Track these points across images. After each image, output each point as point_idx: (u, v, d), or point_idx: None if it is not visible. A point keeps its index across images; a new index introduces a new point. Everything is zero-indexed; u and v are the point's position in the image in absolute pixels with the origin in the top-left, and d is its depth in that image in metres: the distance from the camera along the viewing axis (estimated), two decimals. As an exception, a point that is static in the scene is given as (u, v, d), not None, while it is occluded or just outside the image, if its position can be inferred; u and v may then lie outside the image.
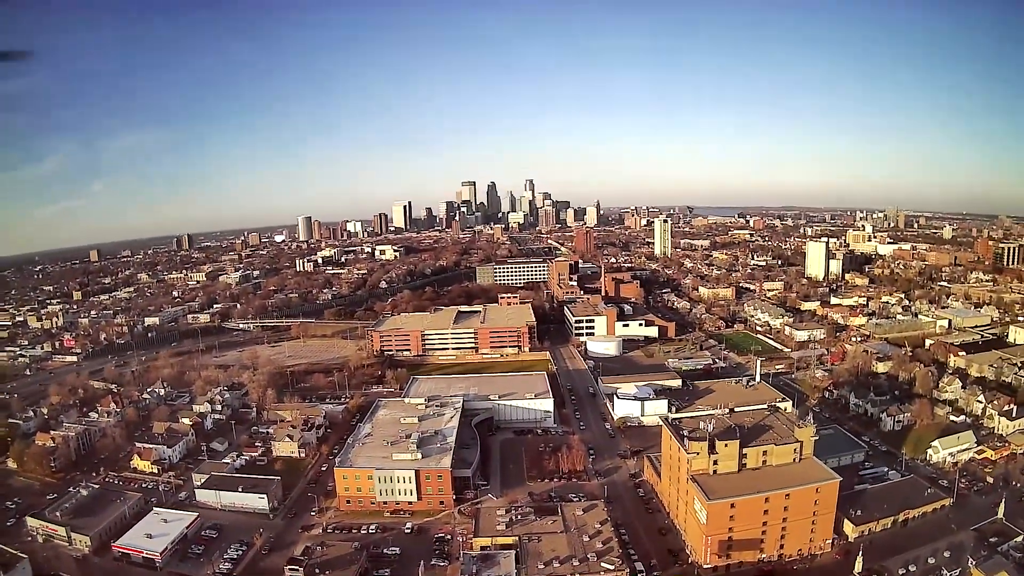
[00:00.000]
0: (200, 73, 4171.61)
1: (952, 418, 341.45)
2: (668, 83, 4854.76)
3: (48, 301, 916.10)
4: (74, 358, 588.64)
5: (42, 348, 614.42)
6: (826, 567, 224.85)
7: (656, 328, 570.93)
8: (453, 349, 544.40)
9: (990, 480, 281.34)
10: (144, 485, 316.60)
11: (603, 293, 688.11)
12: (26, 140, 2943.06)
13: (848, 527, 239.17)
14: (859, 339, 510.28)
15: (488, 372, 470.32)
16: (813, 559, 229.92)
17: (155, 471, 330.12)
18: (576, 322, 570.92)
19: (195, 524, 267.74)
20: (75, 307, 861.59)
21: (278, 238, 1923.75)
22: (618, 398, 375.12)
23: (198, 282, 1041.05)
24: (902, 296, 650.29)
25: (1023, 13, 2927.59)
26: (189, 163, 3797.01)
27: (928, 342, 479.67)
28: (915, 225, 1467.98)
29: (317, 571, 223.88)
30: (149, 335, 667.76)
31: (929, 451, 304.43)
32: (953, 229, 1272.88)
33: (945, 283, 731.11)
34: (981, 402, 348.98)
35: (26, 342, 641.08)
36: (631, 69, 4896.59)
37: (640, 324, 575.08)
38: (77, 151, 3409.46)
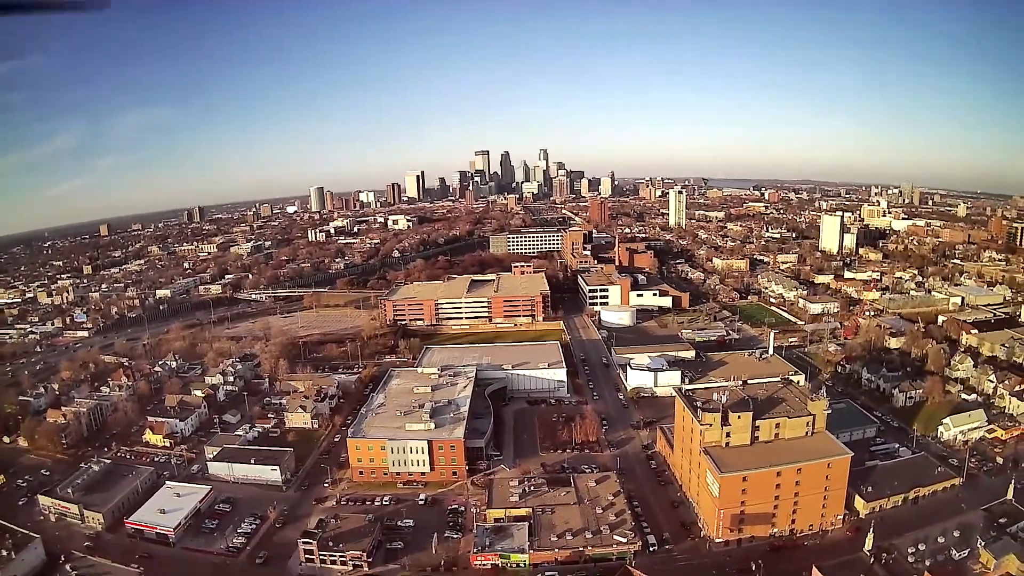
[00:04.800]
0: (208, 46, 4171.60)
1: (963, 396, 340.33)
2: (684, 55, 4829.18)
3: (58, 276, 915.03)
4: (85, 333, 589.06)
5: (52, 324, 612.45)
6: (837, 543, 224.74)
7: (670, 298, 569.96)
8: (467, 318, 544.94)
9: (1000, 460, 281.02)
10: (156, 459, 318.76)
11: (617, 263, 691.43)
12: (34, 119, 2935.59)
13: (859, 503, 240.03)
14: (872, 314, 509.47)
15: (501, 341, 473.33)
16: (824, 535, 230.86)
17: (167, 445, 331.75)
18: (590, 291, 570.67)
19: (208, 498, 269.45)
20: (85, 282, 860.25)
21: (290, 209, 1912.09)
22: (631, 368, 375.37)
23: (209, 253, 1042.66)
24: (916, 272, 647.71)
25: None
26: (199, 137, 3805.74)
27: (941, 319, 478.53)
28: (930, 202, 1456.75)
29: (331, 544, 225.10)
30: (160, 308, 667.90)
31: (940, 429, 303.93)
32: (967, 207, 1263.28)
33: (958, 261, 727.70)
34: (992, 381, 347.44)
35: (36, 318, 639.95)
36: (647, 41, 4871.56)
37: (654, 294, 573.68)
38: (85, 128, 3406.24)
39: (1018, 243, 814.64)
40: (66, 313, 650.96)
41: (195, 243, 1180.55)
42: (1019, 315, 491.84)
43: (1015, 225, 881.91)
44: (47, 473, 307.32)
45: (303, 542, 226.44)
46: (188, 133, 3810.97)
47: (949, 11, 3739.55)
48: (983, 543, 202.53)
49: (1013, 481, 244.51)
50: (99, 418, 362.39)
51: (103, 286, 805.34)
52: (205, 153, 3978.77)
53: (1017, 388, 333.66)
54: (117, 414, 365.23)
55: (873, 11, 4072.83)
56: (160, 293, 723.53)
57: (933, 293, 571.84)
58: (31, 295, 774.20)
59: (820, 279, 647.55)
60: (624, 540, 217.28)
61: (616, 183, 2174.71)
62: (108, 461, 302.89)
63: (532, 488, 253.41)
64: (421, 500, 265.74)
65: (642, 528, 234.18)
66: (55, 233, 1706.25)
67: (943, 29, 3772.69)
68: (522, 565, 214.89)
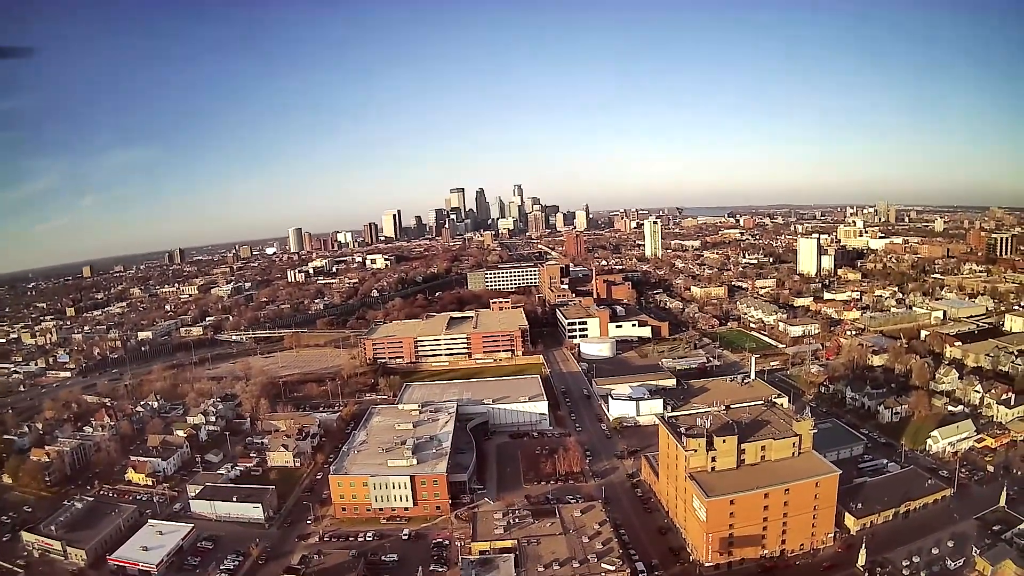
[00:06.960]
0: (188, 89, 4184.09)
1: (950, 408, 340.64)
2: (654, 85, 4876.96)
3: (42, 318, 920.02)
4: (68, 374, 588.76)
5: (36, 364, 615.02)
6: (829, 562, 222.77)
7: (649, 328, 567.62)
8: (446, 355, 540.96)
9: (990, 469, 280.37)
10: (139, 497, 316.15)
11: (595, 295, 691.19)
12: (17, 158, 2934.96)
13: (849, 520, 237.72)
14: (854, 333, 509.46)
15: (482, 377, 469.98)
16: (816, 554, 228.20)
17: (150, 483, 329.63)
18: (569, 324, 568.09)
19: (191, 536, 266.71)
20: (69, 323, 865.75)
21: (269, 250, 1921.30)
22: (613, 399, 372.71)
23: (190, 295, 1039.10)
24: (895, 289, 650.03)
25: (1008, 5, 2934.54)
26: (180, 178, 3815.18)
27: (923, 334, 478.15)
28: (906, 219, 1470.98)
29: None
30: (142, 349, 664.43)
31: (928, 441, 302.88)
32: (944, 222, 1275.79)
33: (938, 275, 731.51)
34: (979, 391, 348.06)
35: (20, 359, 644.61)
36: (617, 72, 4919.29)
37: (633, 325, 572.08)
38: (68, 168, 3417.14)
39: (998, 253, 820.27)
40: (49, 354, 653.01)
41: (176, 285, 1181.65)
42: (1002, 324, 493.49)
43: (994, 236, 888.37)
44: (30, 510, 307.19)
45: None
46: (168, 173, 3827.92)
47: (918, 27, 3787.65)
48: (978, 551, 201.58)
49: (1005, 488, 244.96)
50: (82, 457, 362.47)
51: (86, 328, 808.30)
52: (185, 194, 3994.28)
53: (1004, 396, 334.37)
54: (100, 453, 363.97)
55: (840, 32, 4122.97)
56: (142, 335, 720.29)
57: (914, 309, 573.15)
58: (15, 336, 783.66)
59: (800, 302, 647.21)
60: (612, 568, 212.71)
61: (591, 216, 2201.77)
62: (91, 499, 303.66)
63: (517, 520, 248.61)
64: (405, 535, 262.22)
65: (630, 556, 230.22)
66: (39, 274, 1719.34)
67: (912, 45, 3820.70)
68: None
